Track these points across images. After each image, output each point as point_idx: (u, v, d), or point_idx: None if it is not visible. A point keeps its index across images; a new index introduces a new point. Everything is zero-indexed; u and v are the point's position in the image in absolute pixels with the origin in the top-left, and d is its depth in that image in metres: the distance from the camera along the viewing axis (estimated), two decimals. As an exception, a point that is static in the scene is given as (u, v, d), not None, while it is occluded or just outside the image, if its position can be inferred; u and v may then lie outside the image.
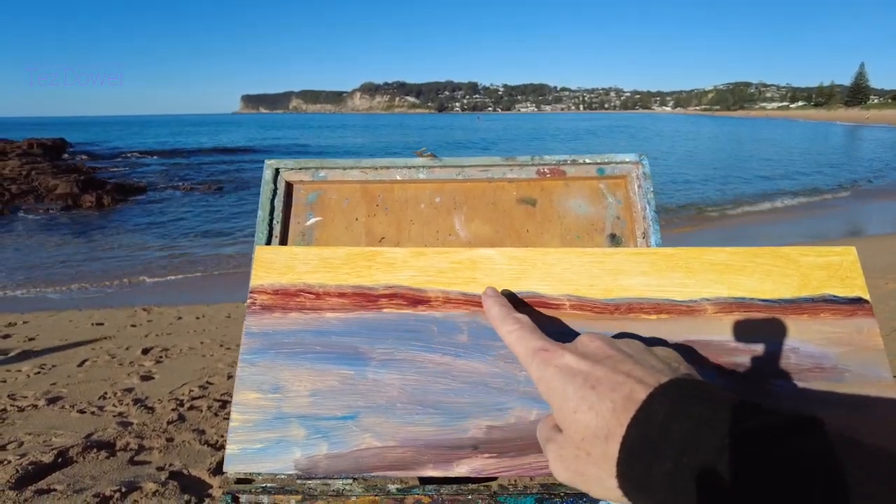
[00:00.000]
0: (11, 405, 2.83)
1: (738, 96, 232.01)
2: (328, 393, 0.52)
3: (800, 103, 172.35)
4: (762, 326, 0.55)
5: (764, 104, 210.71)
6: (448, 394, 0.52)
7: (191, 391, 2.99)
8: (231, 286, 5.98)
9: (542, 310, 0.55)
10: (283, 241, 0.76)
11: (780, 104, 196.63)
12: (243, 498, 0.52)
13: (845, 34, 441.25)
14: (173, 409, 2.72)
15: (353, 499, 0.50)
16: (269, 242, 0.74)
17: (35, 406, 2.82)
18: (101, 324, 4.59)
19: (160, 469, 2.18)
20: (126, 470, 2.17)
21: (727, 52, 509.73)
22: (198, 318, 4.72)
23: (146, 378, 3.23)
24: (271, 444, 0.51)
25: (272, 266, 0.57)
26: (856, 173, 16.17)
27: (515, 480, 0.47)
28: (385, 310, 0.55)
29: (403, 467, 0.50)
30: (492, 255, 0.57)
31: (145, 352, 3.73)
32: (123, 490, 2.00)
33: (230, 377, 3.16)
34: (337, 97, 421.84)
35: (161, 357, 3.64)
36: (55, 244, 8.02)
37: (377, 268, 0.57)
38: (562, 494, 0.50)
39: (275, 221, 0.75)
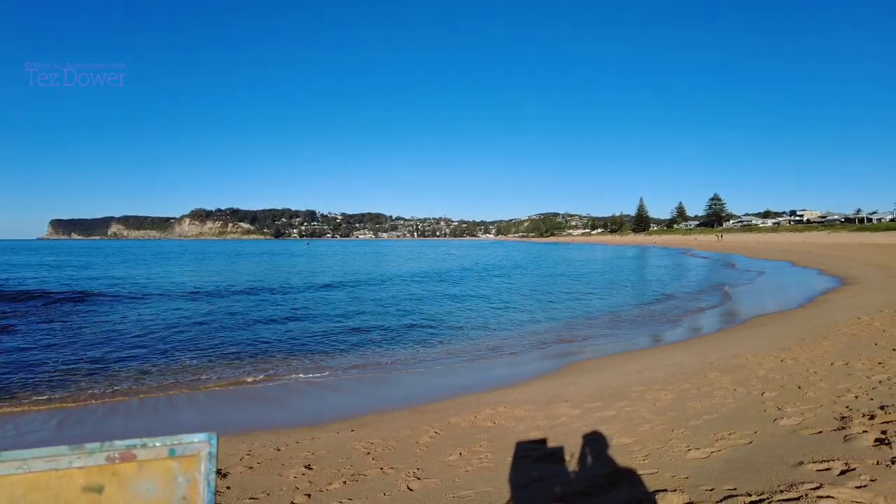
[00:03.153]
0: None
1: (548, 224, 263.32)
2: None
3: (599, 230, 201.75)
4: None
5: (570, 231, 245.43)
6: None
7: None
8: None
9: None
10: None
11: (584, 230, 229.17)
12: None
13: (627, 173, 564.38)
14: None
15: None
16: None
17: None
18: None
19: None
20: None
21: (537, 187, 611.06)
22: None
23: None
24: None
25: None
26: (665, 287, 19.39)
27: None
28: None
29: None
30: None
31: None
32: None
33: None
34: (164, 223, 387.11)
35: None
36: None
37: None
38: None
39: None
